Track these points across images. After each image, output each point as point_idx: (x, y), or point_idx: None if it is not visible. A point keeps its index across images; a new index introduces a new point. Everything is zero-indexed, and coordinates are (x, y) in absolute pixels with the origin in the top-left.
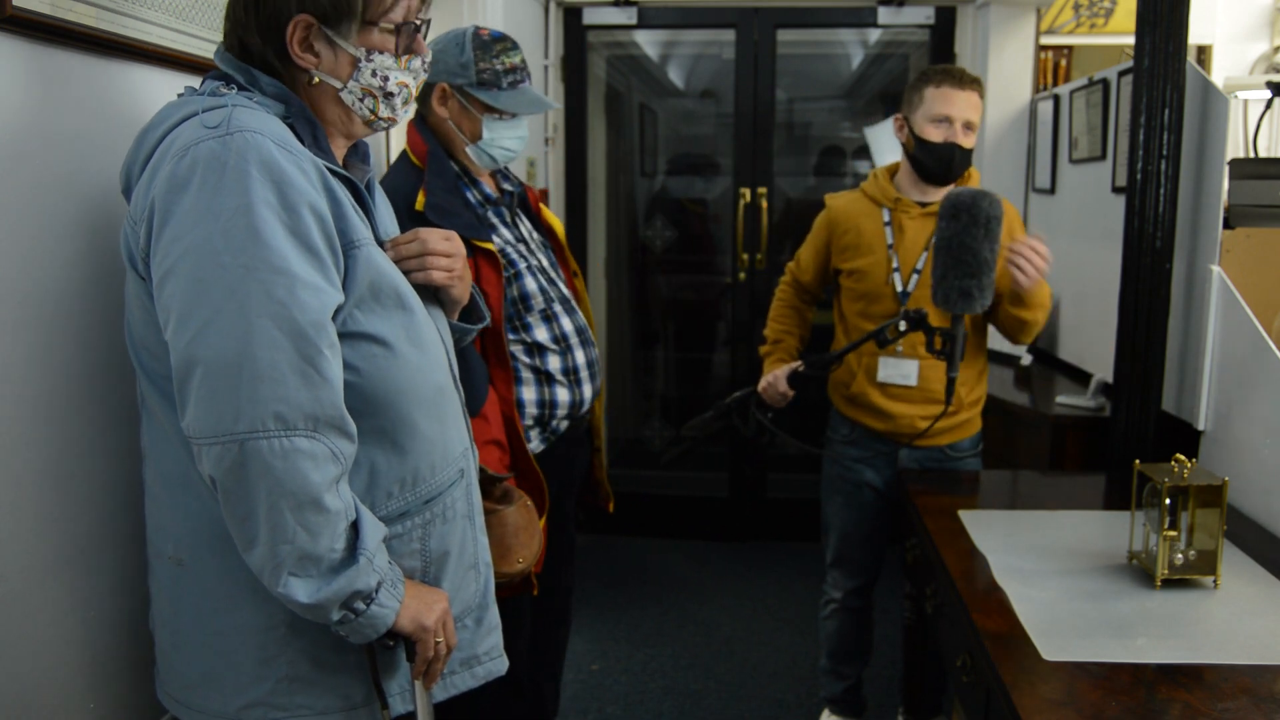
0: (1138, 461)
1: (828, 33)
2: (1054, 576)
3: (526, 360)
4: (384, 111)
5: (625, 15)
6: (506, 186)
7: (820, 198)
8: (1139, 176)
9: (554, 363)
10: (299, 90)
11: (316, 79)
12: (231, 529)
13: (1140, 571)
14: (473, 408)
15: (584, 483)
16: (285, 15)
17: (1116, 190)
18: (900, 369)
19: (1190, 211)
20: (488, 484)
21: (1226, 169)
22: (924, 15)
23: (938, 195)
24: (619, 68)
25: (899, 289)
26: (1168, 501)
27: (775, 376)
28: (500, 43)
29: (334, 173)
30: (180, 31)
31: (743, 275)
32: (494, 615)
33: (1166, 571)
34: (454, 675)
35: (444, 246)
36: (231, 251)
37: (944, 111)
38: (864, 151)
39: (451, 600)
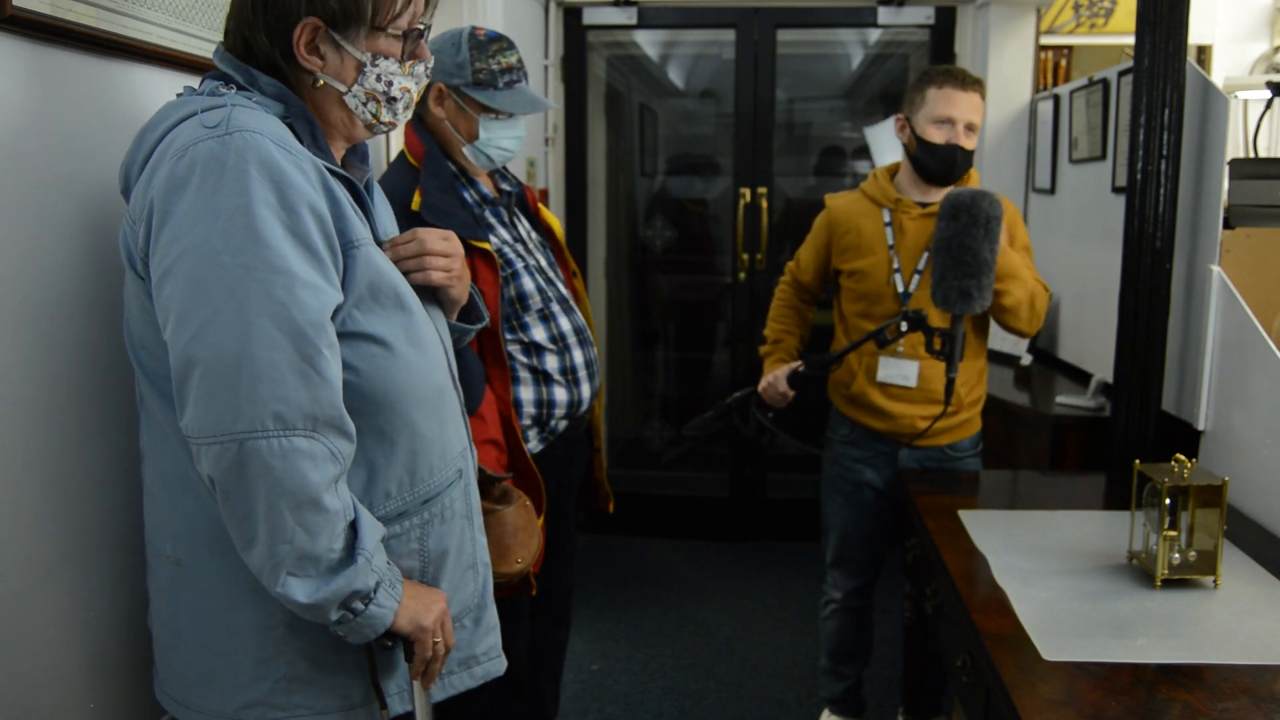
0: (1138, 461)
1: (828, 33)
2: (1054, 576)
3: (524, 360)
4: (385, 116)
5: (625, 15)
6: (505, 186)
7: (820, 198)
8: (1139, 176)
9: (551, 362)
10: (302, 92)
11: (321, 82)
12: (230, 529)
13: (1140, 571)
14: (469, 408)
15: (584, 483)
16: (294, 17)
17: (1116, 190)
18: (900, 369)
19: (1190, 211)
20: (486, 484)
21: (1226, 169)
22: (924, 15)
23: (938, 196)
24: (619, 68)
25: (900, 289)
26: (1168, 501)
27: (775, 377)
28: (496, 43)
29: (333, 172)
30: (180, 31)
31: (743, 275)
32: (492, 615)
33: (1166, 571)
34: (452, 675)
35: (442, 246)
36: (231, 251)
37: (946, 113)
38: (864, 151)
39: (450, 600)
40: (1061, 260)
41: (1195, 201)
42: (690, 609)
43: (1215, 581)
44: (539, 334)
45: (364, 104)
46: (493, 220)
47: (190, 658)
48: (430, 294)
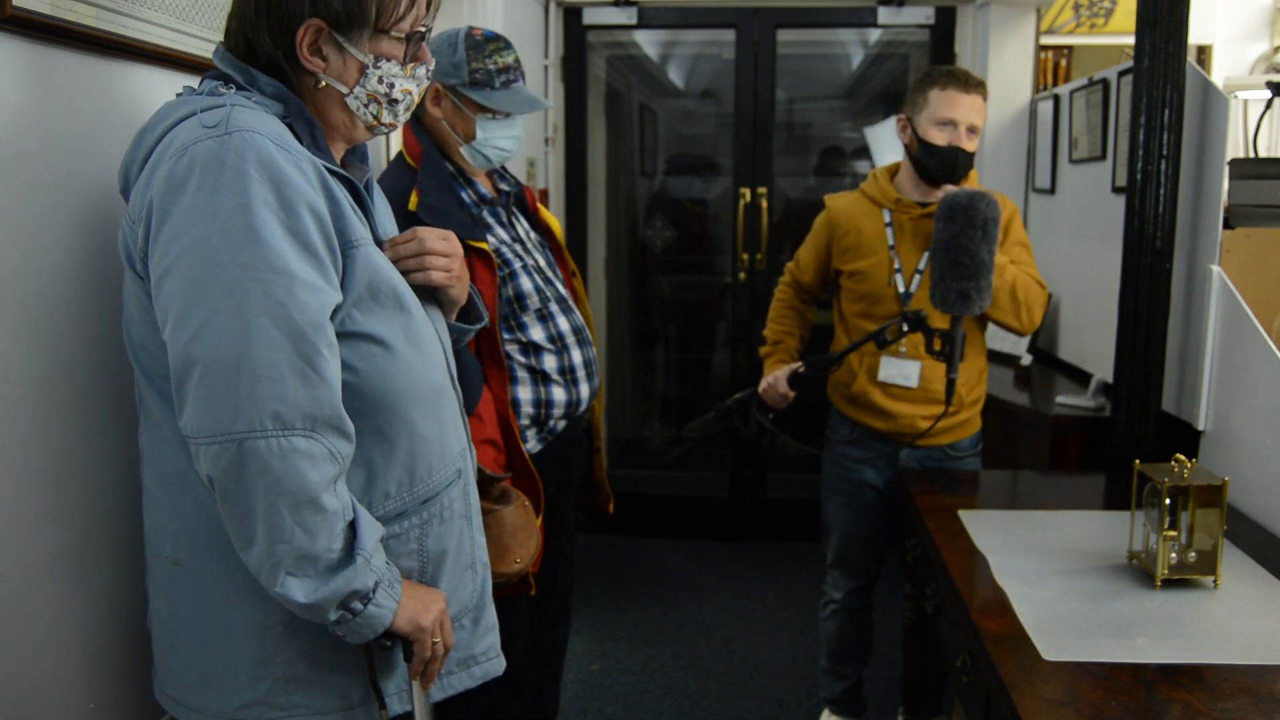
0: (1138, 461)
1: (828, 33)
2: (1054, 576)
3: (522, 360)
4: (386, 118)
5: (625, 15)
6: (503, 186)
7: (820, 198)
8: (1139, 176)
9: (550, 362)
10: (304, 93)
11: (323, 83)
12: (229, 528)
13: (1140, 571)
14: (466, 408)
15: (584, 483)
16: (298, 19)
17: (1116, 190)
18: (902, 369)
19: (1190, 211)
20: (485, 484)
21: (1226, 169)
22: (924, 15)
23: (939, 196)
24: (619, 68)
25: (901, 290)
26: (1168, 501)
27: (776, 378)
28: (493, 42)
29: (332, 172)
30: (180, 31)
31: (743, 275)
32: (491, 615)
33: (1166, 571)
34: (451, 675)
35: (441, 246)
36: (230, 251)
37: (949, 115)
38: (864, 151)
39: (449, 600)
40: (1061, 260)
41: (1195, 201)
42: (690, 609)
43: (1215, 581)
44: (537, 334)
45: (365, 105)
46: (491, 220)
47: (189, 658)
48: (429, 294)
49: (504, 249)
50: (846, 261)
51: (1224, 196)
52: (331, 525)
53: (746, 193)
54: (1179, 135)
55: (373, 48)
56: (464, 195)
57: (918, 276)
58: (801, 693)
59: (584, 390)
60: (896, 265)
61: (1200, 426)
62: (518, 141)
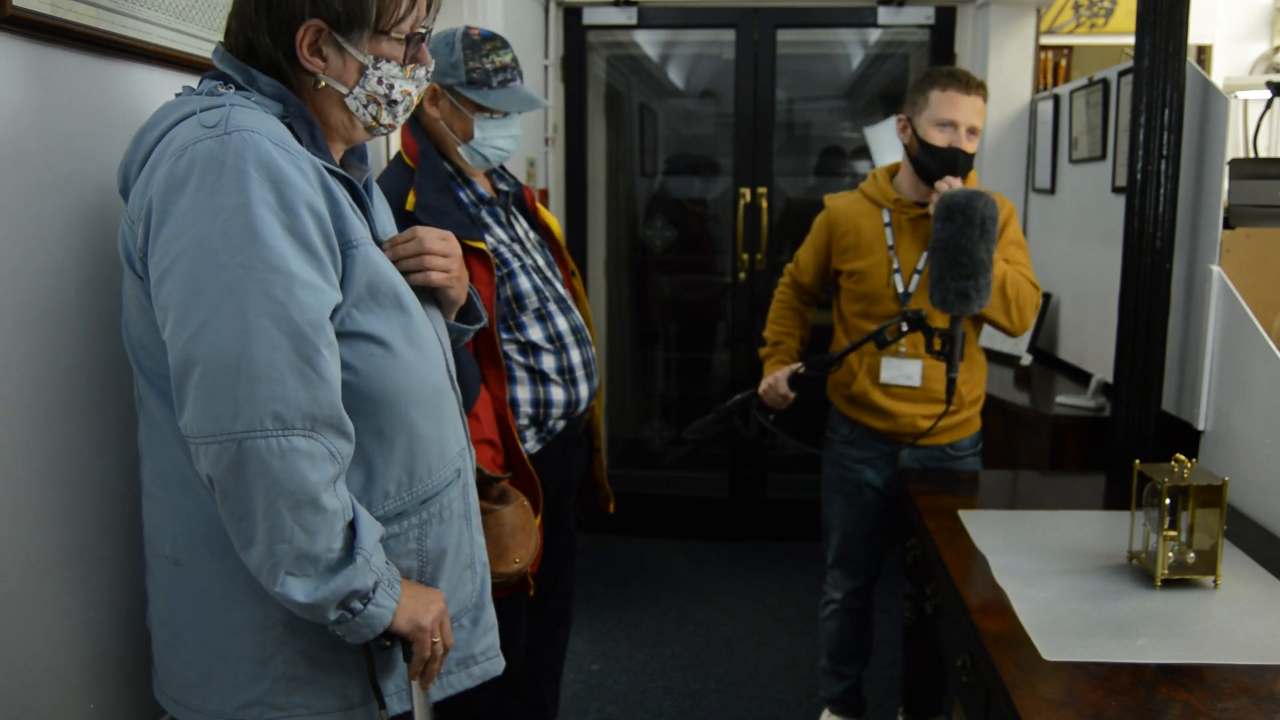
0: (1138, 461)
1: (828, 33)
2: (1054, 576)
3: (521, 360)
4: (386, 119)
5: (625, 15)
6: (502, 186)
7: (820, 198)
8: (1139, 176)
9: (548, 362)
10: (303, 94)
11: (323, 83)
12: (229, 528)
13: (1140, 571)
14: (464, 407)
15: (584, 483)
16: (298, 19)
17: (1116, 190)
18: (904, 370)
19: (1190, 211)
20: (484, 484)
21: (1226, 169)
22: (924, 15)
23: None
24: (619, 68)
25: (900, 290)
26: (1168, 501)
27: (776, 378)
28: (490, 42)
29: (332, 172)
30: (180, 31)
31: (743, 275)
32: (490, 615)
33: (1166, 571)
34: (451, 675)
35: (440, 246)
36: (229, 251)
37: (949, 116)
38: (864, 151)
39: (448, 600)
40: (1061, 260)
41: (1195, 201)
42: (690, 609)
43: (1215, 581)
44: (535, 334)
45: (365, 106)
46: (489, 220)
47: (189, 657)
48: (428, 294)
49: (502, 249)
50: (846, 261)
51: (1224, 196)
52: (331, 525)
53: (746, 193)
54: (1179, 135)
55: (372, 49)
56: (462, 195)
57: (916, 276)
58: (801, 693)
59: (583, 390)
60: (895, 265)
61: (1200, 426)
62: (516, 141)
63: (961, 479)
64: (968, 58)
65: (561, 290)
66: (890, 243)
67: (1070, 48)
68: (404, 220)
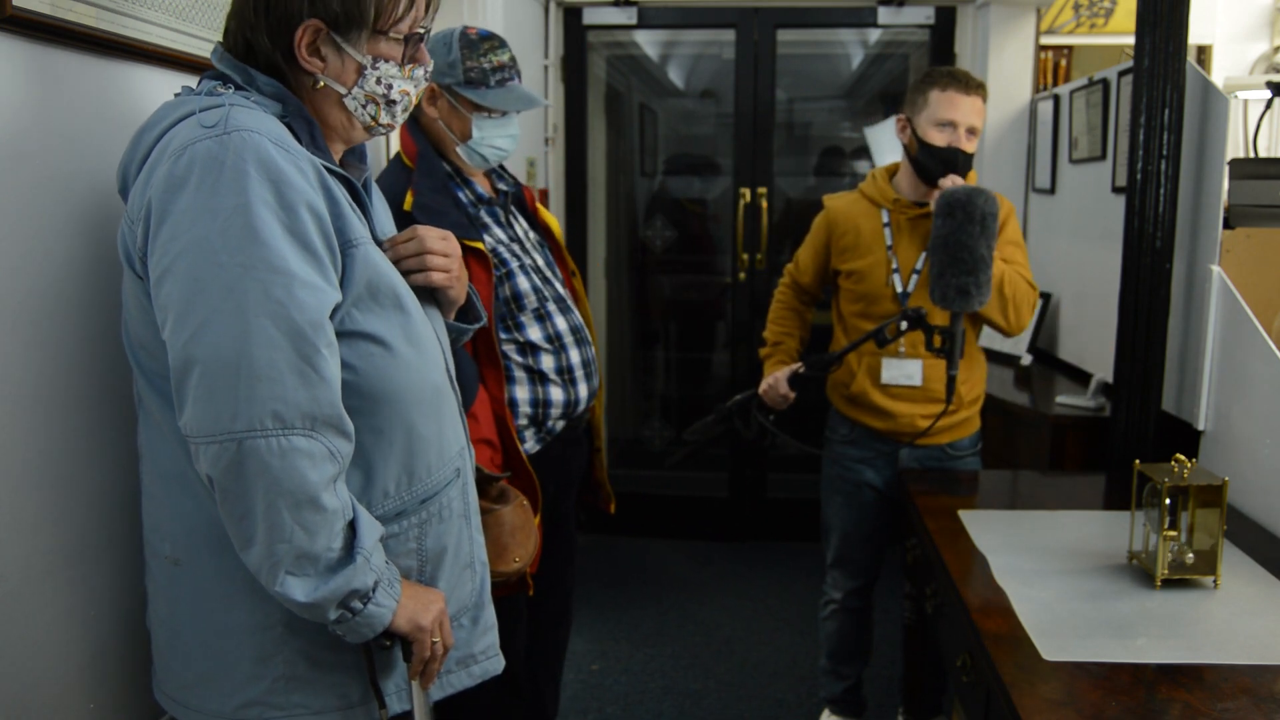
0: (1138, 461)
1: (828, 33)
2: (1054, 576)
3: (520, 360)
4: (384, 119)
5: (625, 15)
6: (501, 186)
7: (820, 198)
8: (1139, 176)
9: (547, 362)
10: (302, 94)
11: (321, 83)
12: (229, 528)
13: (1140, 571)
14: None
15: (585, 483)
16: (296, 19)
17: (1116, 190)
18: (904, 369)
19: (1190, 211)
20: (484, 483)
21: (1226, 169)
22: (924, 15)
23: (935, 195)
24: (619, 68)
25: (899, 290)
26: (1168, 501)
27: (776, 379)
28: (487, 41)
29: (331, 171)
30: (180, 31)
31: (743, 275)
32: (490, 614)
33: (1166, 571)
34: (450, 674)
35: (441, 246)
36: (229, 250)
37: (949, 116)
38: (864, 151)
39: (447, 599)
40: (1061, 260)
41: (1195, 201)
42: (690, 609)
43: (1215, 581)
44: (534, 333)
45: (363, 106)
46: (488, 220)
47: (188, 657)
48: (428, 294)
49: (501, 249)
50: (845, 261)
51: (1224, 196)
52: (331, 524)
53: (746, 193)
54: (1179, 135)
55: (371, 49)
56: (461, 195)
57: (915, 276)
58: (801, 693)
59: (582, 390)
60: (894, 265)
61: (1200, 426)
62: (514, 140)
63: (961, 479)
64: (968, 58)
65: (561, 290)
66: (889, 243)
67: (1070, 48)
68: (402, 220)
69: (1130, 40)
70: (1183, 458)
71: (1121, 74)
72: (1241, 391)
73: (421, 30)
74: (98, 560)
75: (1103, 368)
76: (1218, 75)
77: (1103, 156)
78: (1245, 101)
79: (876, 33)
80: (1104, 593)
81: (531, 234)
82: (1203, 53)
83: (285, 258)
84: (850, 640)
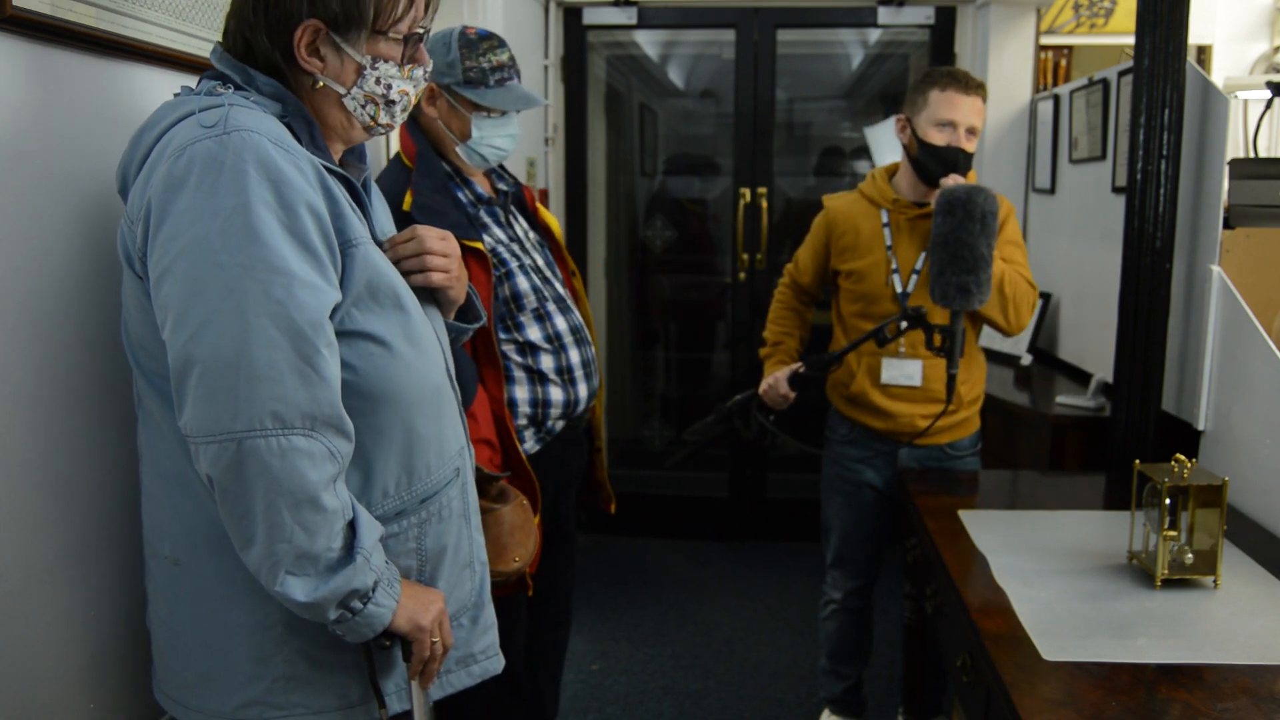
0: (1138, 461)
1: (828, 33)
2: (1054, 576)
3: (519, 360)
4: (384, 119)
5: (625, 15)
6: (501, 186)
7: (820, 198)
8: (1139, 176)
9: (547, 362)
10: (301, 93)
11: (320, 83)
12: (228, 528)
13: (1140, 571)
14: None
15: (585, 483)
16: (296, 19)
17: (1116, 190)
18: (904, 369)
19: (1190, 211)
20: (483, 483)
21: (1226, 169)
22: (924, 15)
23: (936, 195)
24: (619, 68)
25: (898, 290)
26: (1168, 501)
27: (776, 379)
28: (487, 41)
29: (331, 171)
30: (180, 31)
31: (743, 275)
32: (489, 614)
33: (1166, 571)
34: (450, 674)
35: (440, 246)
36: (229, 250)
37: (948, 116)
38: (864, 151)
39: (447, 599)
40: (1061, 260)
41: (1195, 201)
42: (690, 609)
43: (1215, 581)
44: (534, 333)
45: (362, 106)
46: (488, 220)
47: (188, 657)
48: (428, 293)
49: (500, 249)
50: (844, 261)
51: (1224, 196)
52: (331, 524)
53: (746, 193)
54: (1179, 135)
55: (370, 49)
56: (460, 195)
57: (915, 276)
58: (801, 693)
59: (582, 390)
60: (894, 265)
61: (1200, 426)
62: (514, 140)
63: (961, 479)
64: (968, 58)
65: (561, 290)
66: (889, 243)
67: (1070, 48)
68: (401, 220)
69: (1130, 40)
70: (1183, 458)
71: (1121, 74)
72: (1241, 391)
73: (421, 30)
74: (98, 560)
75: (1103, 368)
76: (1218, 75)
77: (1103, 156)
78: (1245, 101)
79: (876, 33)
80: (1104, 593)
81: (531, 234)
82: (1203, 53)
83: (285, 258)
84: (850, 640)
